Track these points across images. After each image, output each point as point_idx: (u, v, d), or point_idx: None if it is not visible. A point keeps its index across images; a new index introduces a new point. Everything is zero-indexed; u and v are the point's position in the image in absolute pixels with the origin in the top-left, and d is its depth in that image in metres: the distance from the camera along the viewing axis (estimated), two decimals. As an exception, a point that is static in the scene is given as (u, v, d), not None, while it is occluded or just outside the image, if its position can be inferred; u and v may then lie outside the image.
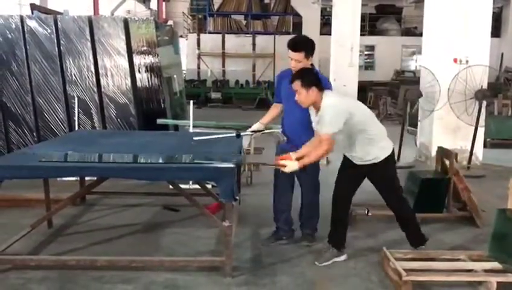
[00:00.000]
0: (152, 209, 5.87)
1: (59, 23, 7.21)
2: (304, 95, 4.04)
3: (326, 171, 4.76)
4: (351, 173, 4.28)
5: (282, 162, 4.13)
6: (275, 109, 4.78)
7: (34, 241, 4.71)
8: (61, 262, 4.17)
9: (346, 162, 4.30)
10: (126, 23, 7.33)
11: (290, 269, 4.24)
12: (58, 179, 6.67)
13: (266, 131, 4.70)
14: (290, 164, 4.08)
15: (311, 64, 4.43)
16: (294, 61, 4.31)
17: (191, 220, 5.48)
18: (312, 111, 4.20)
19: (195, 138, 4.84)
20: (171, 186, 6.43)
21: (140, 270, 4.09)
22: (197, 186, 6.14)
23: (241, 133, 4.58)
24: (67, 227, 5.23)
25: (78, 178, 6.27)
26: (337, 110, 3.98)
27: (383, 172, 4.23)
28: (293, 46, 4.31)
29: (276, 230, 4.81)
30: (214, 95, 18.80)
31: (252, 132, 4.65)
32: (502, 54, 19.96)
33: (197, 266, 4.18)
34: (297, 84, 4.04)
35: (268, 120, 4.77)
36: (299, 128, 4.47)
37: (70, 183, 6.44)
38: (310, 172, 4.53)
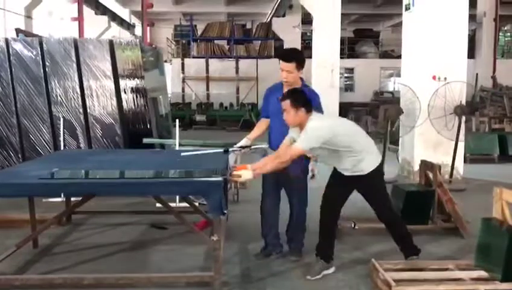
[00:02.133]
0: (139, 228, 5.74)
1: (44, 45, 7.13)
2: (292, 115, 4.01)
3: (310, 185, 4.69)
4: (340, 185, 4.23)
5: (236, 172, 4.04)
6: (262, 125, 4.67)
7: (19, 262, 4.54)
8: (47, 281, 4.01)
9: (336, 174, 4.25)
10: (112, 45, 7.28)
11: (279, 283, 4.15)
12: (44, 199, 6.53)
13: (254, 146, 4.57)
14: (244, 173, 4.01)
15: (301, 78, 4.38)
16: (286, 72, 4.26)
17: (179, 238, 5.37)
18: (295, 129, 4.13)
19: (183, 154, 4.74)
20: (158, 205, 6.37)
21: (128, 288, 3.97)
22: (184, 204, 6.05)
23: (230, 149, 4.47)
24: (53, 247, 5.07)
25: (64, 199, 6.15)
26: (318, 133, 3.96)
27: (371, 183, 4.19)
28: (285, 56, 4.29)
29: (266, 246, 4.71)
30: (199, 117, 18.72)
31: (240, 147, 4.51)
32: (477, 75, 20.26)
33: (186, 282, 4.06)
34: (286, 104, 4.00)
35: (255, 136, 4.64)
36: None
37: (55, 205, 6.29)
38: (299, 185, 4.46)
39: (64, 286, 3.95)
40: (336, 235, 4.43)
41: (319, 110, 4.34)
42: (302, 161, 4.38)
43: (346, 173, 4.15)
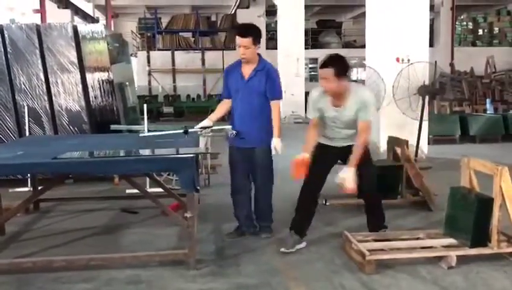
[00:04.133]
0: (110, 213, 5.57)
1: (5, 32, 6.81)
2: (333, 84, 3.92)
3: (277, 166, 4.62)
4: (331, 159, 4.27)
5: (341, 177, 3.93)
6: (224, 106, 4.50)
7: (-15, 249, 4.34)
8: (15, 265, 3.83)
9: (327, 150, 4.23)
10: (76, 31, 7.02)
11: (254, 259, 4.08)
12: (10, 190, 6.28)
13: (216, 127, 4.36)
14: (348, 176, 3.91)
15: (258, 54, 4.28)
16: (243, 47, 4.14)
17: (151, 221, 5.24)
18: (328, 104, 4.07)
19: (141, 135, 4.51)
20: (128, 191, 6.22)
21: (100, 269, 3.83)
22: (155, 189, 5.91)
23: (189, 129, 4.25)
24: (21, 234, 4.86)
25: (31, 188, 5.93)
26: (374, 101, 4.13)
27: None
28: (242, 32, 4.15)
29: (239, 226, 4.62)
30: (166, 109, 18.46)
31: (201, 128, 4.31)
32: (436, 62, 20.62)
33: (160, 261, 3.94)
34: (328, 72, 3.89)
35: (217, 117, 4.43)
36: (250, 122, 4.30)
37: (23, 194, 6.05)
38: (263, 162, 4.37)
39: (34, 269, 3.78)
40: (314, 211, 4.38)
41: (279, 91, 4.30)
42: (269, 135, 4.30)
43: (348, 143, 4.16)
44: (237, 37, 4.17)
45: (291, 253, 4.16)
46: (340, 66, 3.91)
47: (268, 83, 4.20)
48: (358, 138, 4.08)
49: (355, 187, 3.95)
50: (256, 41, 4.17)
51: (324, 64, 3.91)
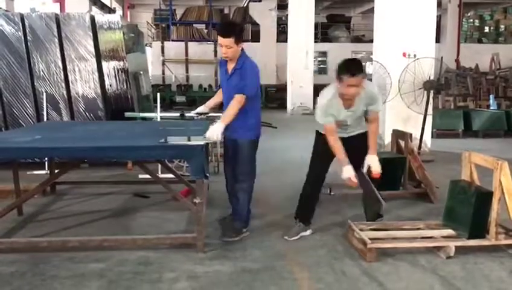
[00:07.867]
0: (122, 197, 5.62)
1: (26, 21, 6.85)
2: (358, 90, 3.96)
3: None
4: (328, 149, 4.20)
5: (368, 163, 4.08)
6: (219, 94, 4.43)
7: (3, 228, 4.40)
8: (32, 244, 3.89)
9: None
10: (93, 20, 7.04)
11: (260, 244, 4.11)
12: (28, 172, 6.35)
13: (210, 114, 4.47)
14: (373, 160, 4.08)
15: (242, 50, 4.09)
16: (225, 47, 3.95)
17: (162, 205, 5.28)
18: (340, 107, 4.05)
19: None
20: (140, 176, 6.27)
21: (112, 250, 3.88)
22: (166, 175, 5.94)
23: (185, 114, 4.39)
24: (38, 214, 4.93)
25: (48, 171, 6.00)
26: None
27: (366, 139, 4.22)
28: (222, 31, 3.96)
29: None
30: (179, 98, 18.47)
31: (197, 113, 4.39)
32: (442, 58, 20.41)
33: (170, 243, 3.97)
34: (357, 80, 3.85)
35: (212, 104, 4.46)
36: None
37: (40, 177, 6.12)
38: (242, 155, 4.15)
39: (49, 249, 3.83)
40: (318, 200, 4.39)
41: (250, 87, 4.05)
42: (249, 130, 4.16)
43: (358, 132, 4.21)
44: (219, 36, 3.99)
45: (296, 239, 4.18)
46: (363, 72, 3.93)
47: (241, 81, 4.02)
48: (371, 127, 4.17)
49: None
50: (238, 40, 3.96)
51: (353, 73, 3.83)
